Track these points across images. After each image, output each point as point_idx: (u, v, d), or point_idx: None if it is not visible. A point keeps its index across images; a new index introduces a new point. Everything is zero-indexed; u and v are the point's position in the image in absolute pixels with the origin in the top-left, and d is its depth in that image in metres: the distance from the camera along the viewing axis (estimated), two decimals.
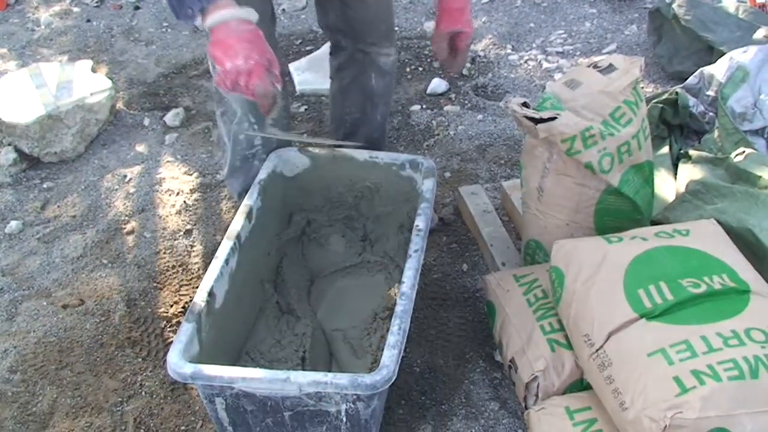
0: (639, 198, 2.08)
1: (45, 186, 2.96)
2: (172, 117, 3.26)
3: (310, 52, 3.62)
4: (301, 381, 1.63)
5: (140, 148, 3.14)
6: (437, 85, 3.34)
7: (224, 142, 2.36)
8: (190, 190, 2.87)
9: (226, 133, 2.30)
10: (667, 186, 2.44)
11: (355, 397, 1.67)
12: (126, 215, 2.78)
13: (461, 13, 2.19)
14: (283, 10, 4.06)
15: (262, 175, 2.25)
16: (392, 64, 2.40)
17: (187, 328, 1.77)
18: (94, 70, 3.35)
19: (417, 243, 1.98)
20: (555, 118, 1.93)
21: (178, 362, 1.68)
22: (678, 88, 2.67)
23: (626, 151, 1.98)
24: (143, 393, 2.15)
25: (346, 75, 2.42)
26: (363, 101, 2.43)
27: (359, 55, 2.35)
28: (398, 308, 1.78)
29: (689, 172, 2.38)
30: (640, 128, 2.00)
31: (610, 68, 2.05)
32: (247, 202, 2.15)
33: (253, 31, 1.78)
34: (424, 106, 3.25)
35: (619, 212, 2.09)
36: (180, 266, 2.54)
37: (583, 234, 2.12)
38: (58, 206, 2.86)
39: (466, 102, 3.26)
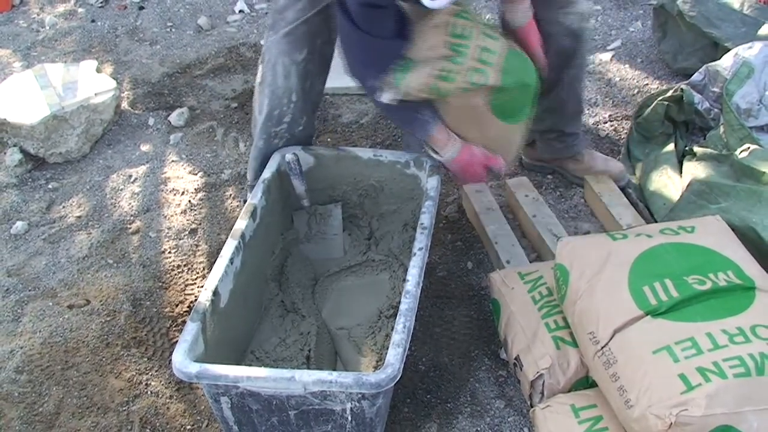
0: (510, 75, 2.06)
1: (50, 186, 2.97)
2: (176, 117, 3.26)
3: None
4: (305, 380, 1.63)
5: (145, 147, 3.14)
6: None
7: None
8: (195, 189, 2.88)
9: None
10: (673, 183, 2.44)
11: (360, 395, 1.67)
12: (131, 215, 2.78)
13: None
14: None
15: (267, 174, 2.25)
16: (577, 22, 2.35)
17: (192, 328, 1.77)
18: (98, 71, 3.35)
19: (421, 241, 1.98)
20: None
21: (183, 361, 1.68)
22: (683, 85, 2.67)
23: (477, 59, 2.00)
24: (149, 393, 2.15)
25: None
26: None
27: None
28: (403, 306, 1.78)
29: (694, 170, 2.38)
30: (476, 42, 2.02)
31: None
32: (252, 201, 2.15)
33: (466, 160, 2.17)
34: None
35: (511, 98, 2.11)
36: (185, 266, 2.54)
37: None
38: (64, 207, 2.86)
39: None
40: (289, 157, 2.28)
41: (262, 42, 2.27)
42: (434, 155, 2.18)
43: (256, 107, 2.38)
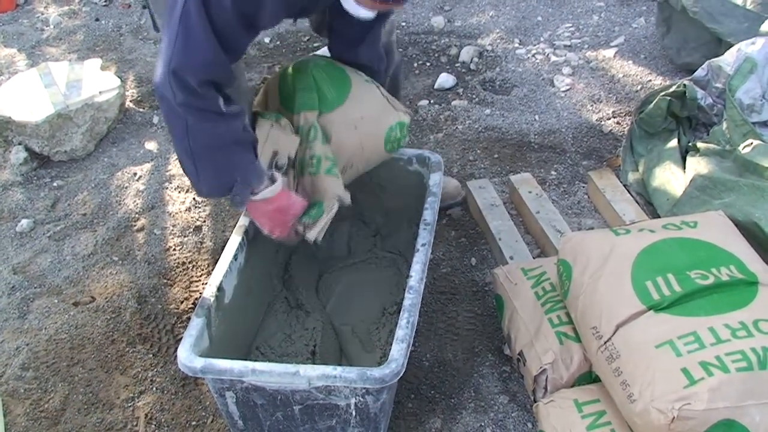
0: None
1: (55, 184, 2.98)
2: None
3: (317, 48, 3.63)
4: (310, 374, 1.64)
5: (150, 145, 3.15)
6: (445, 80, 3.34)
7: None
8: None
9: None
10: (676, 179, 2.44)
11: (364, 390, 1.67)
12: (136, 213, 2.79)
13: None
14: None
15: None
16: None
17: (197, 323, 1.78)
18: (103, 69, 3.37)
19: (424, 237, 1.99)
20: None
21: (188, 356, 1.69)
22: (686, 81, 2.67)
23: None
24: (154, 389, 2.16)
25: None
26: None
27: None
28: (406, 302, 1.79)
29: (697, 165, 2.38)
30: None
31: None
32: None
33: (276, 209, 1.96)
34: (431, 101, 3.25)
35: None
36: (190, 263, 2.55)
37: None
38: (69, 204, 2.87)
39: (474, 96, 3.26)
40: None
41: (266, 40, 2.25)
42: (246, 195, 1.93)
43: None
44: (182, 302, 2.41)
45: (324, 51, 2.35)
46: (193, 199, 2.82)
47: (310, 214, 1.99)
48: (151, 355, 2.26)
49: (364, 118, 2.10)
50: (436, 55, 3.57)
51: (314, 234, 2.00)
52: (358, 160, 2.15)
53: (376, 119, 2.13)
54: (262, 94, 2.21)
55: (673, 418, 1.52)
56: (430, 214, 2.06)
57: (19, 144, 3.06)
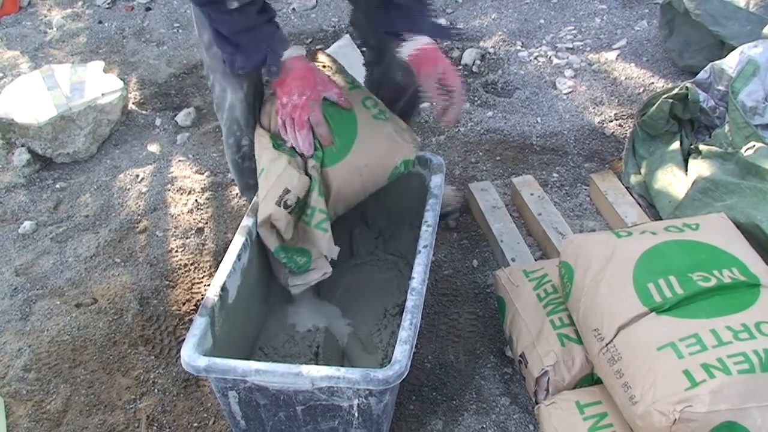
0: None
1: (58, 186, 2.99)
2: (183, 117, 3.27)
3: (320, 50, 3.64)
4: (313, 375, 1.64)
5: (152, 147, 3.16)
6: None
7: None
8: (202, 188, 2.89)
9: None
10: (678, 181, 2.44)
11: (367, 392, 1.67)
12: (138, 214, 2.80)
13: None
14: (293, 9, 4.08)
15: None
16: None
17: (200, 323, 1.78)
18: (105, 71, 3.37)
19: (426, 239, 1.99)
20: None
21: (192, 355, 1.69)
22: (688, 83, 2.67)
23: None
24: (156, 390, 2.16)
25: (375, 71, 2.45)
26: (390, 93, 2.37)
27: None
28: (409, 303, 1.79)
29: (699, 168, 2.38)
30: None
31: None
32: (258, 199, 2.15)
33: (303, 68, 2.02)
34: (433, 104, 3.25)
35: None
36: (192, 264, 2.56)
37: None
38: (71, 206, 2.88)
39: (476, 99, 3.26)
40: None
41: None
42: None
43: (221, 127, 2.36)
44: (184, 304, 2.41)
45: (335, 48, 2.31)
46: (195, 201, 2.82)
47: (298, 262, 2.06)
48: (152, 357, 2.26)
49: (369, 165, 2.08)
50: None
51: (296, 290, 2.10)
52: (362, 196, 2.16)
53: (382, 163, 2.11)
54: (271, 107, 2.18)
55: (675, 420, 1.52)
56: (431, 216, 2.07)
57: (22, 146, 3.07)
